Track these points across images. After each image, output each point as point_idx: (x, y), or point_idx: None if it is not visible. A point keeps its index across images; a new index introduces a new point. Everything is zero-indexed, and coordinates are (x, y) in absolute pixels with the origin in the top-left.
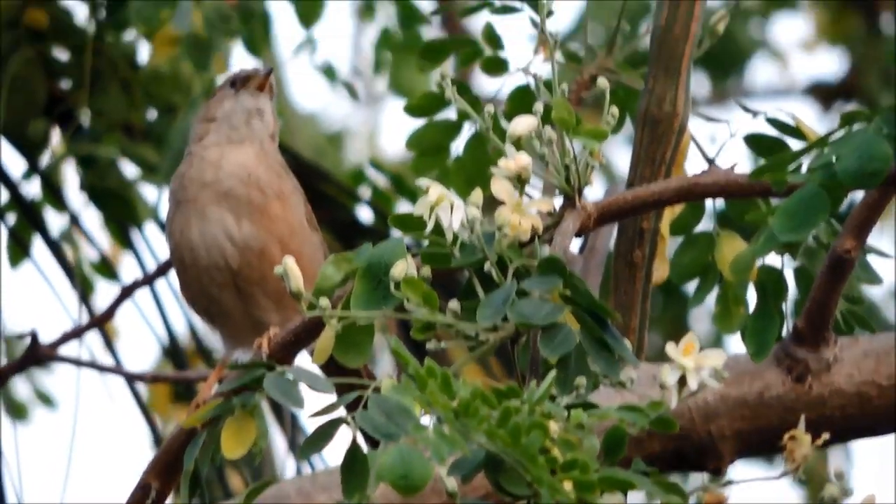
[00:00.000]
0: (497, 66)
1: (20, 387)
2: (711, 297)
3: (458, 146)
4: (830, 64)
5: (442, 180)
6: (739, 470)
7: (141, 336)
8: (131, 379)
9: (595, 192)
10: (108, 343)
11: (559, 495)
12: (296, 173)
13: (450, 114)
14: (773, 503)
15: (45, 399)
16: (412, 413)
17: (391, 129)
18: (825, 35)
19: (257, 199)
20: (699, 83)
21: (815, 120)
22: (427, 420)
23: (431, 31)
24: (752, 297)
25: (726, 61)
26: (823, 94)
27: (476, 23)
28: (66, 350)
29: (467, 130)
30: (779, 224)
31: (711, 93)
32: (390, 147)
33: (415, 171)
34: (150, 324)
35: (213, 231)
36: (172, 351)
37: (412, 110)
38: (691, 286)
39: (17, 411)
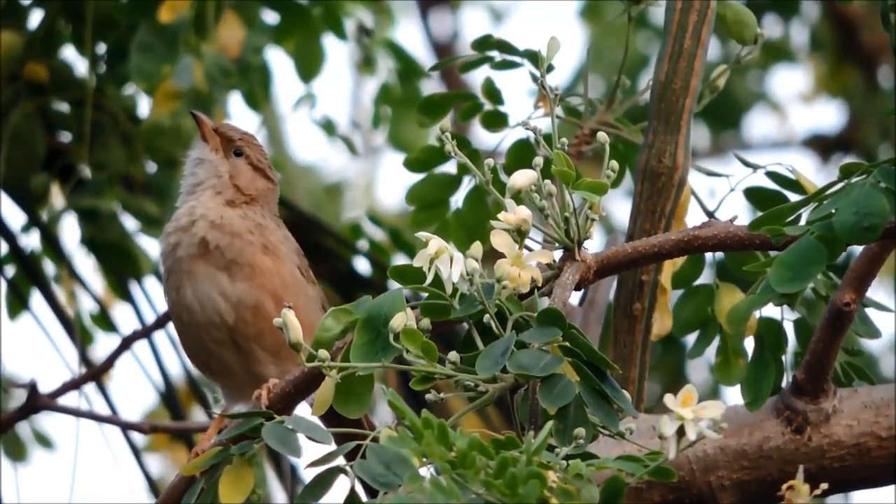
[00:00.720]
0: (497, 121)
1: (20, 428)
2: (711, 348)
3: (457, 200)
4: (829, 117)
5: (441, 233)
6: None
7: (137, 383)
8: (129, 429)
9: (595, 244)
10: (102, 389)
11: None
12: (294, 225)
13: (449, 168)
14: None
15: (45, 442)
16: (410, 463)
17: (389, 181)
18: (824, 88)
19: (233, 244)
20: (698, 135)
21: (813, 172)
22: (425, 470)
23: (431, 85)
24: (751, 348)
25: (725, 114)
26: (822, 146)
27: (476, 76)
28: (65, 399)
29: (467, 184)
30: (776, 276)
31: (711, 145)
32: (388, 198)
33: (414, 224)
34: (147, 372)
35: (206, 289)
36: (169, 399)
37: (412, 165)
38: (690, 335)
39: (17, 453)
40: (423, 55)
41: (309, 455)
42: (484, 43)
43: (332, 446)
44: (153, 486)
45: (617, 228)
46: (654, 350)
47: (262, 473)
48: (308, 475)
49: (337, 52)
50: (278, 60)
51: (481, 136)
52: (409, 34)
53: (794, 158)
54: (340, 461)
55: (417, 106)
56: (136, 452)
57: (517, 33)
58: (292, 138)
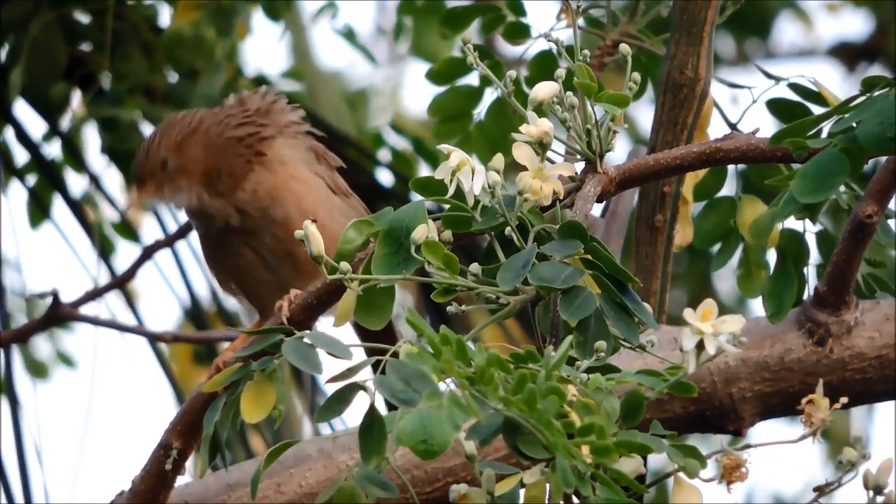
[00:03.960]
0: (519, 33)
1: (41, 346)
2: (734, 259)
3: (479, 112)
4: (855, 25)
5: (463, 146)
6: (762, 430)
7: (162, 297)
8: (152, 339)
9: (618, 154)
10: (130, 303)
11: (575, 460)
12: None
13: (472, 79)
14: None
15: (66, 359)
16: (430, 378)
17: (416, 87)
18: None
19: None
20: (723, 44)
21: (839, 81)
22: (444, 386)
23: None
24: (773, 260)
25: (751, 22)
26: (848, 55)
27: None
28: (86, 310)
29: (489, 96)
30: (798, 187)
31: (736, 54)
32: (415, 105)
33: (436, 136)
34: (170, 285)
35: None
36: (193, 312)
37: (434, 77)
38: (713, 246)
39: (38, 370)
40: None
41: (329, 371)
42: None
43: (353, 361)
44: (180, 396)
45: (642, 137)
46: (680, 259)
47: (282, 388)
48: (329, 390)
49: None
50: None
51: (506, 49)
52: None
53: (819, 67)
54: (360, 377)
55: (440, 18)
56: (164, 363)
57: None
58: (319, 45)
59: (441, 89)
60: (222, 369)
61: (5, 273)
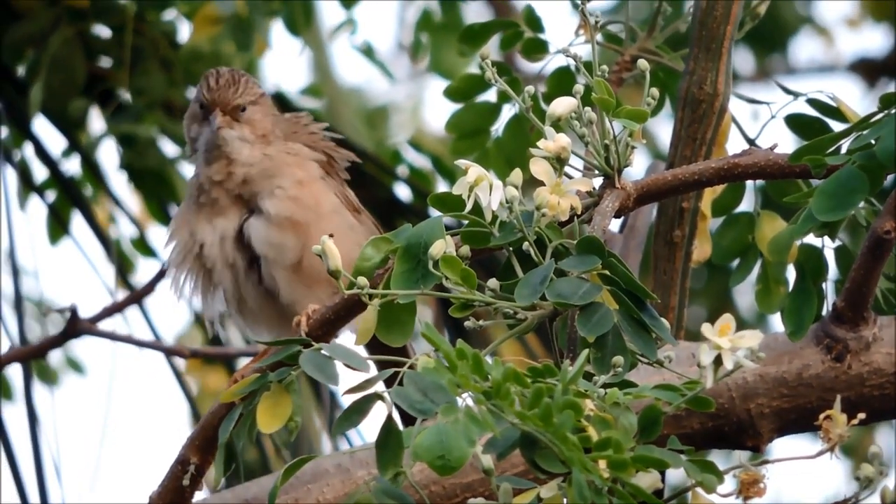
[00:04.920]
0: (537, 49)
1: (51, 354)
2: (753, 274)
3: (497, 128)
4: (875, 41)
5: (481, 162)
6: (782, 445)
7: (172, 307)
8: (170, 354)
9: (636, 170)
10: (148, 320)
11: (592, 475)
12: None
13: (490, 96)
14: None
15: (76, 367)
16: (448, 391)
17: (436, 103)
18: (870, 13)
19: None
20: (743, 60)
21: (859, 97)
22: (461, 399)
23: (479, 10)
24: (792, 276)
25: (771, 37)
26: (868, 70)
27: (523, 2)
28: (104, 324)
29: (507, 113)
30: (817, 204)
31: (756, 69)
32: (435, 121)
33: (454, 153)
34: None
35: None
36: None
37: (452, 94)
38: (731, 261)
39: (48, 377)
40: None
41: (346, 383)
42: None
43: (370, 373)
44: (196, 413)
45: (661, 152)
46: (700, 275)
47: (299, 401)
48: (346, 402)
49: None
50: None
51: (525, 66)
52: None
53: (840, 83)
54: (378, 388)
55: (458, 35)
56: (180, 379)
57: None
58: (339, 61)
59: (459, 106)
60: (240, 381)
61: (23, 283)
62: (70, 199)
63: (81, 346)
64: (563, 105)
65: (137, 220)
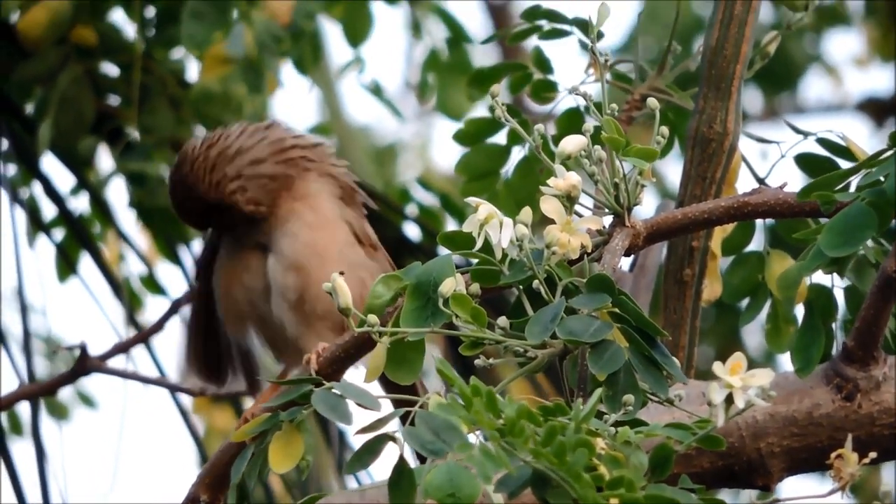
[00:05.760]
0: (546, 89)
1: (63, 391)
2: (763, 313)
3: (507, 170)
4: (883, 81)
5: (491, 203)
6: (792, 485)
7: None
8: (178, 391)
9: (646, 208)
10: (154, 358)
11: None
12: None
13: (499, 139)
14: None
15: (88, 401)
16: (460, 430)
17: (445, 142)
18: (877, 52)
19: None
20: (752, 99)
21: (867, 136)
22: (474, 438)
23: (489, 52)
24: (801, 315)
25: (780, 77)
26: (876, 110)
27: (533, 41)
28: (113, 362)
29: (517, 154)
30: (826, 240)
31: (765, 109)
32: (443, 160)
33: (464, 195)
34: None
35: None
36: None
37: (461, 138)
38: (742, 300)
39: (59, 412)
40: (479, 18)
41: (358, 422)
42: (533, 13)
43: (382, 413)
44: (202, 452)
45: (670, 192)
46: (708, 314)
47: (311, 440)
48: (357, 442)
49: (390, 12)
50: (331, 24)
51: (534, 108)
52: None
53: (848, 122)
54: (389, 428)
55: (467, 79)
56: (186, 418)
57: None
58: (348, 100)
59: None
60: (251, 420)
61: (31, 322)
62: (78, 237)
63: (91, 384)
64: (573, 143)
65: (146, 257)
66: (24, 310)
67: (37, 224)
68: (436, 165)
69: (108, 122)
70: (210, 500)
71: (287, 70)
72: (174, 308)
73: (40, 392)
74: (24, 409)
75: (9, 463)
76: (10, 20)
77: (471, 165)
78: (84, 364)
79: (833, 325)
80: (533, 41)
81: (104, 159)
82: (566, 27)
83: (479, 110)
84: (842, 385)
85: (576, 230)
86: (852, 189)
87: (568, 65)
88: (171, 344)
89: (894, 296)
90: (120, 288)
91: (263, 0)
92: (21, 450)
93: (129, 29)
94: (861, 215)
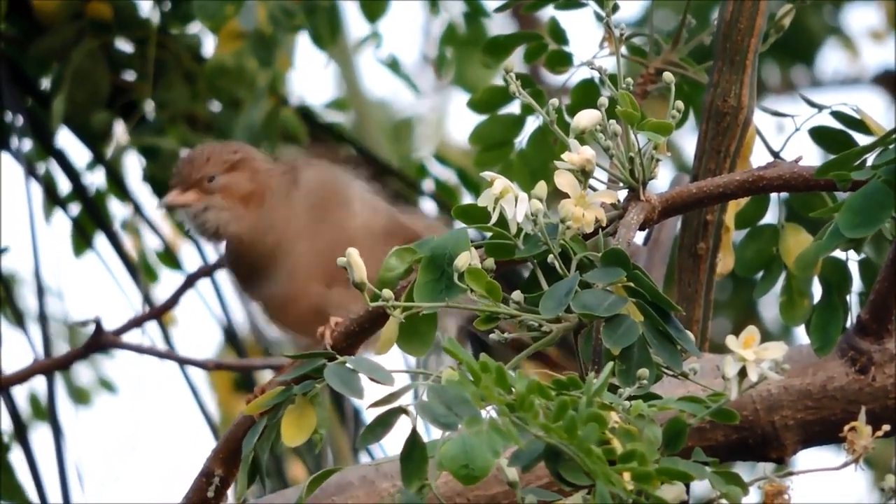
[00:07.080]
0: (561, 61)
1: (82, 373)
2: (778, 286)
3: (521, 140)
4: None
5: (505, 174)
6: (807, 458)
7: (202, 324)
8: (193, 366)
9: (661, 182)
10: (165, 332)
11: (615, 487)
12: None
13: (514, 108)
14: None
15: (107, 385)
16: (472, 404)
17: (462, 116)
18: (894, 25)
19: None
20: (768, 72)
21: (884, 110)
22: (486, 412)
23: (504, 23)
24: (816, 288)
25: (797, 49)
26: (892, 83)
27: (548, 12)
28: (128, 338)
29: (531, 124)
30: (844, 220)
31: (781, 82)
32: (460, 133)
33: (477, 165)
34: (212, 311)
35: None
36: (233, 339)
37: (475, 106)
38: (755, 274)
39: (80, 397)
40: None
41: (371, 396)
42: None
43: (394, 387)
44: (212, 426)
45: (686, 164)
46: (725, 286)
47: (324, 413)
48: (369, 416)
49: None
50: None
51: (549, 78)
52: None
53: (864, 96)
54: (402, 401)
55: (482, 47)
56: (195, 392)
57: None
58: (365, 74)
59: (483, 118)
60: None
61: (48, 300)
62: (93, 213)
63: (107, 361)
64: (587, 117)
65: (161, 232)
66: (40, 289)
67: (53, 199)
68: (452, 141)
69: (123, 97)
70: (224, 474)
71: (304, 45)
72: (189, 283)
73: (55, 366)
74: (41, 386)
75: (24, 442)
76: None
77: (485, 135)
78: (98, 339)
79: (848, 298)
80: (549, 11)
81: (119, 134)
82: None
83: (496, 81)
84: (856, 358)
85: (590, 204)
86: (868, 165)
87: (583, 37)
88: (186, 325)
89: None
90: (135, 263)
91: None
92: (36, 428)
93: (145, 4)
94: (878, 194)
